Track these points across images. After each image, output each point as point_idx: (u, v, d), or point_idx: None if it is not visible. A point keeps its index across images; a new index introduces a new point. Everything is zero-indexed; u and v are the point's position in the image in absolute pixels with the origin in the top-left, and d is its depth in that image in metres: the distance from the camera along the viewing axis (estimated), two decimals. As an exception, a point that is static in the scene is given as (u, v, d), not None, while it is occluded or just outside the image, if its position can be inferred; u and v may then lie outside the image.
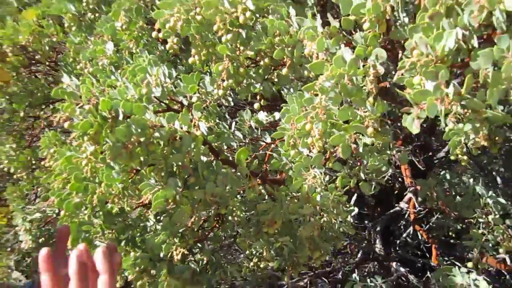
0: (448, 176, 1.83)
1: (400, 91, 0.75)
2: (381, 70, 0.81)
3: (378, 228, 2.16)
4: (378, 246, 2.08)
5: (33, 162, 1.76)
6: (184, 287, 1.17)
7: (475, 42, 0.69)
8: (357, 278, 1.80)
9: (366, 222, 2.28)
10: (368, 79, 0.80)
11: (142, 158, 1.02)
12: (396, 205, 1.76)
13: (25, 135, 1.88)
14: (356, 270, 1.99)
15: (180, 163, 1.02)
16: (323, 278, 2.19)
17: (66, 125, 1.06)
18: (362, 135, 0.95)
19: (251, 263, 1.33)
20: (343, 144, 0.93)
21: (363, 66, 0.82)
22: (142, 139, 1.00)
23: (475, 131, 0.77)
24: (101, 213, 1.21)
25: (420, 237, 1.99)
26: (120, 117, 1.01)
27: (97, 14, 1.71)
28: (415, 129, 0.72)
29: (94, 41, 1.54)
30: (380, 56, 0.81)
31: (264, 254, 1.23)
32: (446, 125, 0.79)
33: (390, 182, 2.02)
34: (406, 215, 1.96)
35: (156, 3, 1.47)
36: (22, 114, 1.75)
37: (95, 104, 1.03)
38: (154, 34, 1.21)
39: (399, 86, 0.78)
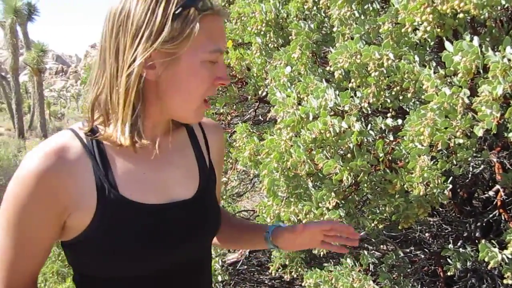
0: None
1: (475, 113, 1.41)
2: (466, 101, 1.47)
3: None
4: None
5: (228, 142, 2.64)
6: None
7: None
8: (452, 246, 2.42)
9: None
10: (458, 106, 1.47)
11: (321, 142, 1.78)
12: (486, 192, 2.32)
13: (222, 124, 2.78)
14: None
15: (343, 146, 1.77)
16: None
17: (278, 120, 1.86)
18: (455, 136, 1.60)
19: (377, 218, 2.04)
20: (443, 141, 1.59)
21: (457, 97, 1.49)
22: (322, 131, 1.75)
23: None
24: (285, 174, 2.01)
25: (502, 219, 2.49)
26: (311, 118, 1.77)
27: (275, 45, 2.53)
28: (480, 133, 1.38)
29: (278, 65, 2.34)
30: (466, 93, 1.47)
31: (386, 209, 1.93)
32: None
33: (483, 176, 2.58)
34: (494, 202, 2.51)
35: (320, 39, 2.26)
36: (222, 110, 2.65)
37: (295, 109, 1.81)
38: (328, 68, 1.96)
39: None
